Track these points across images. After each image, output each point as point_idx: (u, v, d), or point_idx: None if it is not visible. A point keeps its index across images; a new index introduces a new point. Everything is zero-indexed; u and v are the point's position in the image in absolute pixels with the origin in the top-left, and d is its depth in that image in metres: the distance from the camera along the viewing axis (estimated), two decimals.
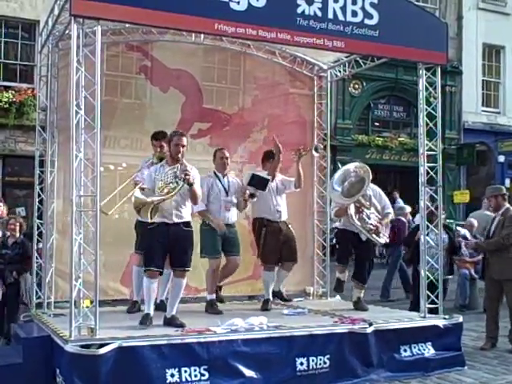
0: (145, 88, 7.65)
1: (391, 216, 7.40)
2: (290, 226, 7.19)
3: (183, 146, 5.77)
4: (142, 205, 5.51)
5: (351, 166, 7.09)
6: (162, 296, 6.67)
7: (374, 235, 6.94)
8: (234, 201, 6.90)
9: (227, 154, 6.97)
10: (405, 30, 6.37)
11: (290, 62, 8.23)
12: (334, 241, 7.58)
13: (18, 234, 7.23)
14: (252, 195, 6.81)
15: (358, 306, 7.12)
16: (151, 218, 5.54)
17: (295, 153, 7.01)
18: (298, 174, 7.07)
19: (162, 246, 5.68)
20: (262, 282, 7.19)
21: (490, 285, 7.37)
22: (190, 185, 5.65)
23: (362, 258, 7.19)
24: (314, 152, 7.28)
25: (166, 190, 5.60)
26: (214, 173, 6.90)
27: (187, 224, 5.81)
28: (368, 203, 6.96)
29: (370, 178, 6.86)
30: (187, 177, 5.59)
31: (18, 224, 7.34)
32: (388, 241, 7.27)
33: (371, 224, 6.90)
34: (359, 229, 6.93)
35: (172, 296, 5.86)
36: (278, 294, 7.31)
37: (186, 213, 5.84)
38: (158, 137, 6.60)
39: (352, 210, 6.89)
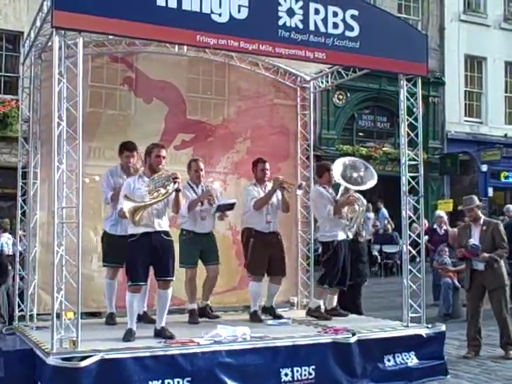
0: (129, 99, 7.65)
1: None
2: (279, 236, 7.14)
3: (164, 158, 5.87)
4: (134, 211, 5.50)
5: (361, 172, 7.24)
6: (144, 308, 6.64)
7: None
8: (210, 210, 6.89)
9: (202, 166, 6.96)
10: (385, 42, 6.43)
11: (273, 73, 8.28)
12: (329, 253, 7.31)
13: None
14: (221, 216, 6.95)
15: (337, 311, 7.24)
16: (136, 224, 5.53)
17: (278, 185, 6.90)
18: (284, 201, 7.04)
19: (146, 259, 5.67)
20: (250, 294, 7.09)
21: (474, 294, 7.40)
22: (178, 190, 5.70)
23: (349, 265, 7.25)
24: (297, 191, 7.23)
25: (155, 194, 5.63)
26: (188, 183, 6.87)
27: (167, 233, 5.84)
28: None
29: (367, 187, 7.14)
30: (178, 180, 5.66)
31: None
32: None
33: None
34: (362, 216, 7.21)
35: (159, 308, 5.83)
36: (270, 311, 7.13)
37: (166, 222, 5.87)
38: (132, 147, 6.57)
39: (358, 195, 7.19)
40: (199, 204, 6.79)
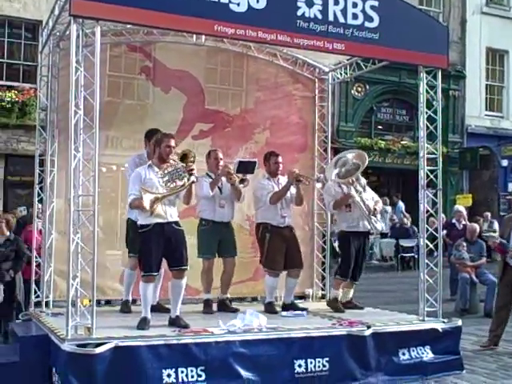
0: (147, 89, 7.65)
1: (381, 204, 7.56)
2: (293, 230, 7.14)
3: (174, 148, 5.86)
4: (155, 201, 5.52)
5: (350, 157, 7.25)
6: (156, 298, 6.65)
7: (372, 217, 7.08)
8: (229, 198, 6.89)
9: (221, 156, 6.96)
10: (405, 33, 6.36)
11: (291, 63, 8.23)
12: (337, 244, 7.47)
13: (6, 232, 7.15)
14: (242, 180, 6.80)
15: (352, 304, 7.22)
16: (152, 213, 5.54)
17: (293, 178, 6.89)
18: (298, 194, 7.03)
19: (159, 249, 5.68)
20: (266, 287, 7.09)
21: (505, 286, 7.43)
22: (192, 182, 5.72)
23: (361, 257, 7.19)
24: (317, 184, 7.31)
25: (172, 186, 5.66)
26: (207, 174, 6.86)
27: (178, 223, 5.84)
28: (362, 188, 7.18)
29: (366, 163, 7.09)
30: (193, 172, 5.68)
31: (3, 221, 7.31)
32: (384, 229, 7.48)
33: (369, 205, 7.06)
34: (362, 209, 6.97)
35: (174, 297, 5.85)
36: (292, 307, 7.04)
37: (176, 213, 5.87)
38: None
39: (353, 191, 7.06)
40: (218, 192, 6.78)
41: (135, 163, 6.41)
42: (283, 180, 7.06)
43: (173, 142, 5.85)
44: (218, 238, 6.80)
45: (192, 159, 5.91)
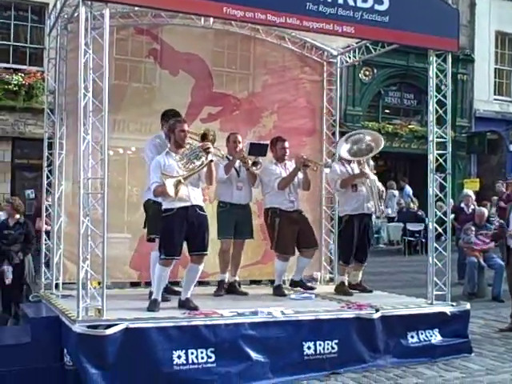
0: (154, 72, 7.62)
1: (383, 188, 7.51)
2: (303, 213, 7.13)
3: (188, 132, 5.86)
4: (177, 184, 5.50)
5: (367, 137, 7.23)
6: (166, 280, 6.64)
7: (380, 199, 7.11)
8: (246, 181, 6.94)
9: (240, 139, 6.96)
10: (415, 16, 6.30)
11: (300, 47, 8.18)
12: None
13: (17, 215, 7.18)
14: (255, 163, 6.83)
15: (362, 287, 7.25)
16: (176, 195, 5.52)
17: (300, 163, 6.88)
18: (305, 179, 7.03)
19: (182, 233, 5.67)
20: (275, 271, 7.09)
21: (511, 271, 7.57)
22: (211, 161, 5.71)
23: (366, 239, 7.17)
24: (325, 169, 7.30)
25: (191, 166, 5.66)
26: (226, 157, 6.89)
27: (202, 208, 5.83)
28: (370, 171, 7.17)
29: (380, 148, 7.11)
30: (210, 150, 5.67)
31: (9, 205, 7.38)
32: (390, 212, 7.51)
33: (378, 186, 7.08)
34: (374, 189, 6.98)
35: (187, 280, 5.88)
36: (300, 284, 7.15)
37: (200, 196, 5.86)
38: (179, 114, 6.40)
39: (367, 169, 7.06)
40: (236, 174, 6.83)
41: (154, 145, 6.33)
42: (290, 165, 7.05)
43: (186, 127, 5.84)
44: (235, 220, 6.82)
45: (211, 138, 5.93)
